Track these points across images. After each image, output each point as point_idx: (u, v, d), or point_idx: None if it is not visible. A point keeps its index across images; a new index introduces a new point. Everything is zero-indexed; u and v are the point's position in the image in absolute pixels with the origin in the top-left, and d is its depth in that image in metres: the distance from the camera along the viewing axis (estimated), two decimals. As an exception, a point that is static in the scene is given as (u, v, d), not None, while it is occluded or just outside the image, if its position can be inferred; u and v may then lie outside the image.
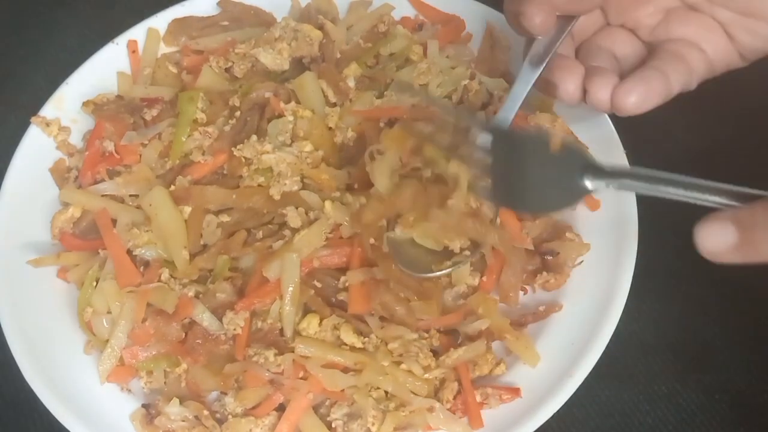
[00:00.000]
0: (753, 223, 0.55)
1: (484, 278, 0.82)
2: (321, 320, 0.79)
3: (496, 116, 0.76)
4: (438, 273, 0.77)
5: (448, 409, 0.76)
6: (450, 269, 0.77)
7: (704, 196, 0.59)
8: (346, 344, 0.78)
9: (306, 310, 0.80)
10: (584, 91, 0.73)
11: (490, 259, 0.82)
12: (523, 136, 0.72)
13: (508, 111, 0.76)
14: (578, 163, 0.66)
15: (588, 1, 0.73)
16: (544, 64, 0.74)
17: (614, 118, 0.90)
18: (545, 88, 0.76)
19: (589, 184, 0.65)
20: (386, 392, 0.77)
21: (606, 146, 0.88)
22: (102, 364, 0.80)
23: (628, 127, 0.90)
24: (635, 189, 0.65)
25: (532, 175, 0.68)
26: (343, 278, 0.80)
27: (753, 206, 0.56)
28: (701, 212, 0.92)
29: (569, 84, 0.73)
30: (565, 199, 0.68)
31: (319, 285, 0.81)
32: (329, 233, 0.82)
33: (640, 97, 0.70)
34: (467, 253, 0.78)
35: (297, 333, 0.79)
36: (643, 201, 0.85)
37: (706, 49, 0.74)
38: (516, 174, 0.69)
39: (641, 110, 0.71)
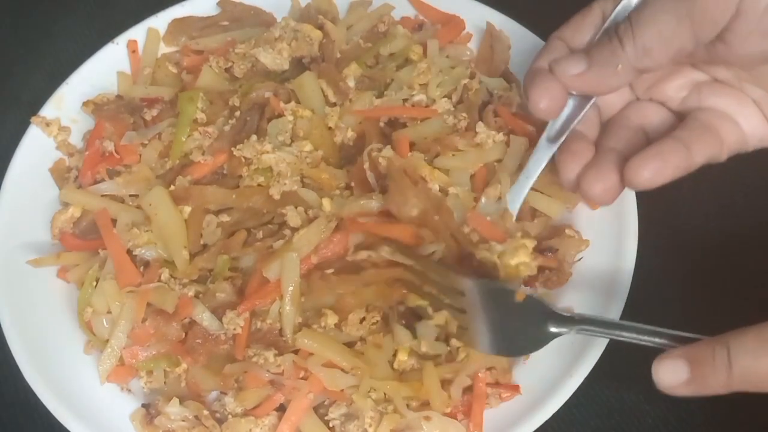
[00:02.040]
0: (701, 359, 0.60)
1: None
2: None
3: (510, 189, 0.80)
4: None
5: (448, 413, 0.76)
6: None
7: (653, 339, 0.66)
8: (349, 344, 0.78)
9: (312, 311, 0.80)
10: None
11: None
12: (494, 289, 0.74)
13: (522, 187, 0.79)
14: (542, 312, 0.72)
15: (606, 83, 0.70)
16: (560, 141, 0.74)
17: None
18: (555, 168, 0.76)
19: (554, 329, 0.71)
20: (385, 393, 0.77)
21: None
22: (102, 364, 0.80)
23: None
24: (593, 334, 0.71)
25: (504, 323, 0.73)
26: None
27: (698, 344, 0.61)
28: (702, 213, 0.92)
29: (570, 173, 0.73)
30: (536, 343, 0.72)
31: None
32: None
33: (654, 172, 0.67)
34: None
35: (305, 324, 0.79)
36: (643, 201, 0.85)
37: (740, 121, 0.72)
38: (490, 322, 0.73)
39: (655, 185, 0.68)
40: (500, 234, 0.78)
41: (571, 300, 0.81)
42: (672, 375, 0.60)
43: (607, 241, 0.83)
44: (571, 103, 0.74)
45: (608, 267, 0.82)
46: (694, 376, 0.59)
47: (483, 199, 0.81)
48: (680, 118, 0.74)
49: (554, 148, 0.76)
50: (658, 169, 0.67)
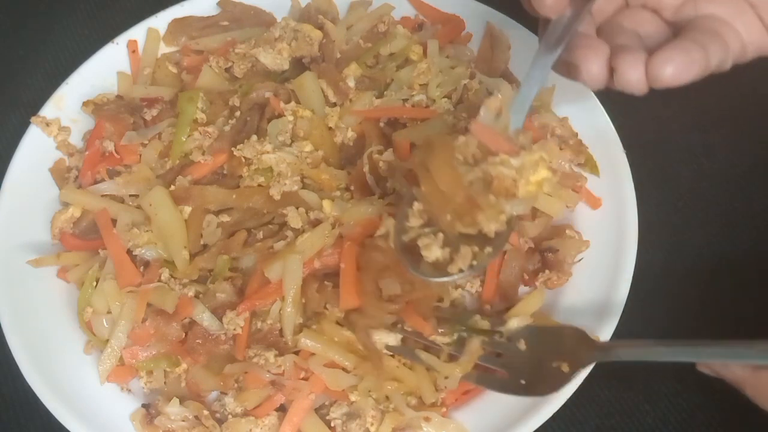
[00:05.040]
0: None
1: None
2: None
3: (512, 101, 0.73)
4: (457, 276, 0.72)
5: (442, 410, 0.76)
6: (467, 273, 0.72)
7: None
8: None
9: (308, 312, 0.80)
10: (610, 72, 0.67)
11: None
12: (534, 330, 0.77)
13: (524, 98, 0.72)
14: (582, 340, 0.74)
15: None
16: (562, 46, 0.68)
17: (613, 117, 0.90)
18: (566, 70, 0.70)
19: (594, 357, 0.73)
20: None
21: (606, 147, 0.89)
22: (102, 364, 0.80)
23: (628, 127, 0.90)
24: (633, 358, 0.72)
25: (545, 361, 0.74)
26: None
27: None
28: (700, 213, 0.92)
29: (593, 65, 0.67)
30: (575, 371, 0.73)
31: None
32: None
33: (679, 66, 0.63)
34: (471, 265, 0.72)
35: (304, 326, 0.79)
36: (643, 201, 0.85)
37: (739, 29, 0.69)
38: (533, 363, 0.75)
39: (679, 81, 0.64)
40: (510, 146, 0.69)
41: (571, 300, 0.81)
42: None
43: (607, 240, 0.83)
44: (569, 10, 0.69)
45: (608, 267, 0.82)
46: None
47: (482, 111, 0.72)
48: (674, 29, 0.71)
49: (554, 55, 0.70)
50: (683, 63, 0.64)
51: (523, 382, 0.74)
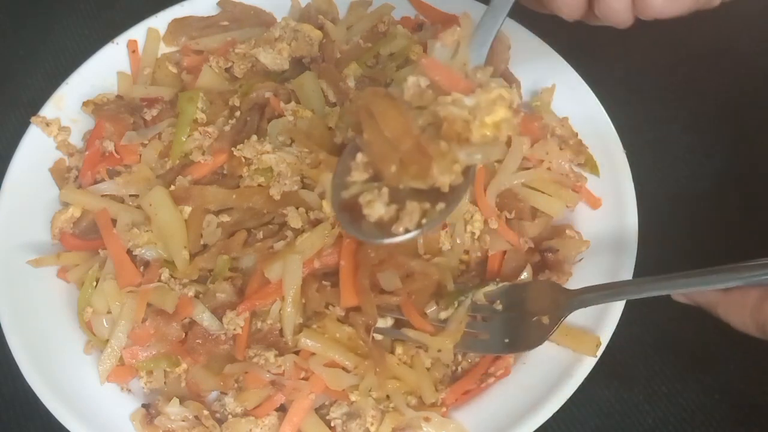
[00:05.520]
0: None
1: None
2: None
3: (474, 32, 0.64)
4: (404, 237, 0.65)
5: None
6: (415, 233, 0.64)
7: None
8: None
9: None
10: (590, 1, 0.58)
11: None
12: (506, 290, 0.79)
13: (488, 28, 0.64)
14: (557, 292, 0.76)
15: None
16: None
17: (613, 117, 0.90)
18: (533, 1, 0.62)
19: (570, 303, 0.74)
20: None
21: (606, 147, 0.89)
22: (102, 364, 0.80)
23: (628, 127, 0.90)
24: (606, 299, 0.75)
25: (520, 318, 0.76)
26: None
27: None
28: (700, 213, 0.92)
29: None
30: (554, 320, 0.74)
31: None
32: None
33: None
34: (424, 221, 0.64)
35: (304, 326, 0.79)
36: (643, 202, 0.85)
37: None
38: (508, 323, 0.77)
39: (669, 11, 0.57)
40: (464, 83, 0.61)
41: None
42: None
43: (607, 241, 0.83)
44: None
45: (608, 267, 0.82)
46: None
47: (437, 45, 0.64)
48: None
49: None
50: None
51: (506, 340, 0.75)
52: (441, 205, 0.63)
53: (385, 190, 0.64)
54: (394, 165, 0.63)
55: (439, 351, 0.76)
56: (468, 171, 0.62)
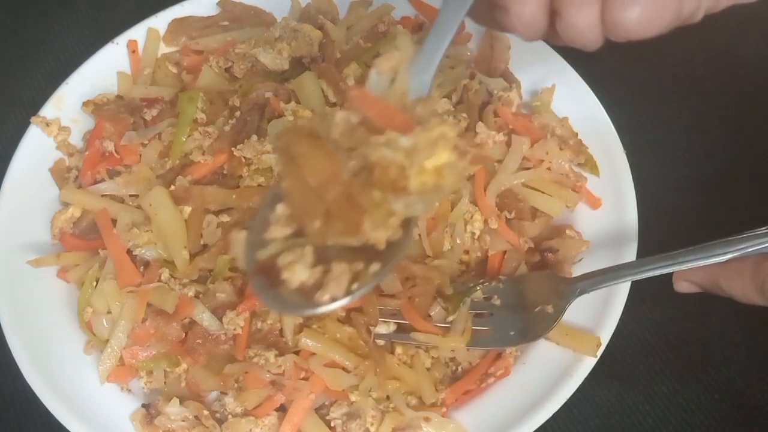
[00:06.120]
0: None
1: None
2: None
3: (416, 56, 0.54)
4: (328, 307, 0.54)
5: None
6: (344, 301, 0.54)
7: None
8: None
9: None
10: (551, 16, 0.51)
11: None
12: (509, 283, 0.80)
13: (432, 52, 0.54)
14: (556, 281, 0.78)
15: None
16: None
17: (613, 117, 0.90)
18: (491, 18, 0.53)
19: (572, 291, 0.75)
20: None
21: (606, 147, 0.89)
22: (102, 364, 0.80)
23: (628, 127, 0.91)
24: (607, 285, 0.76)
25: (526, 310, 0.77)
26: None
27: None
28: (700, 213, 0.92)
29: (525, 5, 0.50)
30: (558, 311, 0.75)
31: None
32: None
33: (648, 10, 0.49)
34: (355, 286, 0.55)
35: (305, 326, 0.79)
36: (643, 202, 0.85)
37: None
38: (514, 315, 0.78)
39: (645, 31, 0.50)
40: (401, 118, 0.51)
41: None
42: None
43: (607, 241, 0.83)
44: None
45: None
46: None
47: (373, 73, 0.54)
48: None
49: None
50: (653, 7, 0.49)
51: (512, 333, 0.76)
52: (375, 266, 0.53)
53: (309, 248, 0.54)
54: (319, 219, 0.53)
55: (453, 351, 0.77)
56: (408, 223, 0.53)
